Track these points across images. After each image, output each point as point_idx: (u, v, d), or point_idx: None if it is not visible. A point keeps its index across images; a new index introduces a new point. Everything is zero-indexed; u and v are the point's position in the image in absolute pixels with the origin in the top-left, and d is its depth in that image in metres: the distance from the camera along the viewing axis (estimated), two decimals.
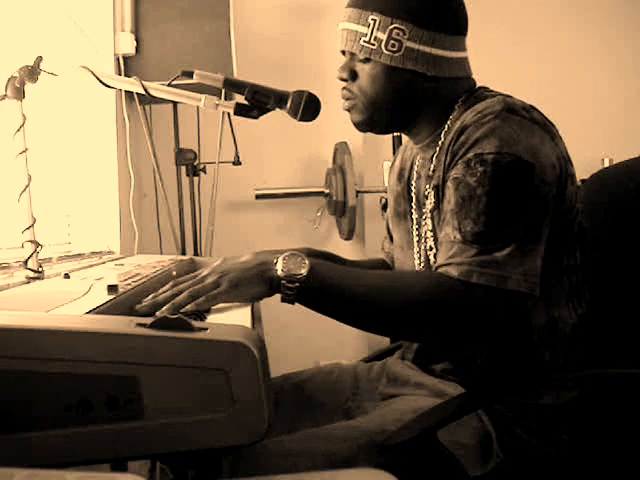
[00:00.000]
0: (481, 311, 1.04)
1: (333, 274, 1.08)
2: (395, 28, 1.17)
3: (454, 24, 1.21)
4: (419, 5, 1.17)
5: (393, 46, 1.17)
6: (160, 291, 1.06)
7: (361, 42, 1.19)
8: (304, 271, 1.03)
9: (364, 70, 1.21)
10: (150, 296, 1.05)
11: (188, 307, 1.01)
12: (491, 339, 1.11)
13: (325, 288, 1.05)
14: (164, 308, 1.00)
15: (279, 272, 1.03)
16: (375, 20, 1.17)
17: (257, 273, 1.04)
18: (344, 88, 1.25)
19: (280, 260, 1.04)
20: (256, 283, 1.04)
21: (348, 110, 1.26)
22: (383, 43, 1.17)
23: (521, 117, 1.11)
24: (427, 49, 1.18)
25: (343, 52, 1.25)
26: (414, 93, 1.21)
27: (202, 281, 1.04)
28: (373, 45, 1.18)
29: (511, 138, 1.08)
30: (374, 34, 1.18)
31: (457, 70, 1.22)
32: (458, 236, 1.06)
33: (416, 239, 1.29)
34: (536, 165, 1.07)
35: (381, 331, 1.20)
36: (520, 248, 1.04)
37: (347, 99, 1.25)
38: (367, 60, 1.20)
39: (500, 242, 1.04)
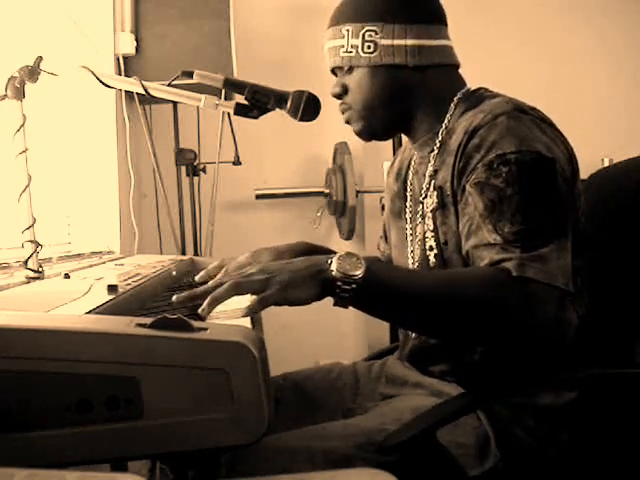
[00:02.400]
0: (537, 307, 1.00)
1: (391, 274, 1.05)
2: (367, 31, 1.21)
3: (424, 13, 1.23)
4: (385, 4, 1.22)
5: (369, 47, 1.21)
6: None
7: (341, 54, 1.24)
8: (360, 272, 0.96)
9: (351, 80, 1.25)
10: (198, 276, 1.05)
11: (247, 307, 0.93)
12: (536, 337, 1.05)
13: (383, 289, 1.00)
14: (205, 303, 0.93)
15: (334, 273, 0.95)
16: (348, 30, 1.23)
17: (309, 275, 0.96)
18: (340, 103, 1.28)
19: (335, 260, 0.96)
20: (307, 286, 0.95)
21: (348, 122, 1.29)
22: (359, 48, 1.22)
23: (531, 116, 1.12)
24: (401, 42, 1.21)
25: (333, 72, 1.30)
26: (402, 87, 1.23)
27: (248, 277, 0.96)
28: (351, 52, 1.23)
29: (527, 136, 1.08)
30: (350, 42, 1.23)
31: (439, 57, 1.24)
32: (498, 238, 1.04)
33: (410, 238, 1.29)
34: (556, 160, 1.08)
35: (441, 332, 1.11)
36: (558, 243, 1.04)
37: (344, 112, 1.28)
38: (351, 70, 1.24)
39: (541, 238, 1.03)
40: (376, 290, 0.99)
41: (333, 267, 0.96)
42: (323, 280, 0.96)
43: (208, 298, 0.93)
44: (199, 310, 0.93)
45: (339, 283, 0.96)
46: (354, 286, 0.96)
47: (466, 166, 1.12)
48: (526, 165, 1.06)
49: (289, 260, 1.01)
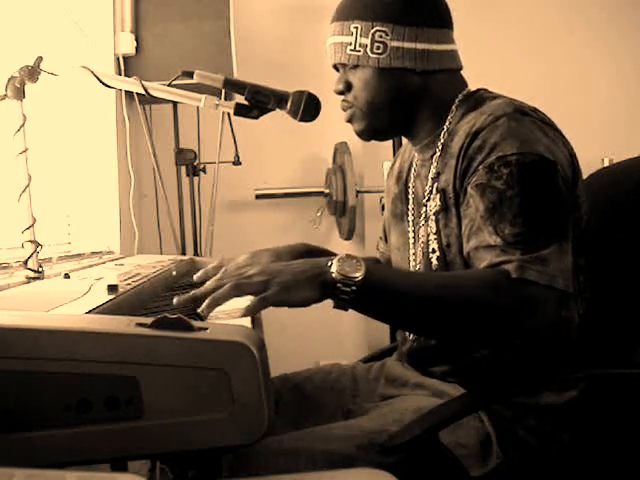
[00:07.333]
0: (535, 309, 1.01)
1: (390, 275, 1.06)
2: (377, 31, 1.19)
3: (435, 17, 1.22)
4: (397, 5, 1.20)
5: (378, 48, 1.20)
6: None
7: (347, 51, 1.22)
8: (360, 274, 0.96)
9: (356, 77, 1.23)
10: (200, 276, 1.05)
11: (246, 307, 0.93)
12: (536, 337, 1.05)
13: (383, 290, 1.00)
14: (204, 304, 0.93)
15: (334, 275, 0.95)
16: (357, 27, 1.20)
17: (309, 277, 0.96)
18: (342, 100, 1.27)
19: (335, 262, 0.96)
20: (307, 287, 0.95)
21: (349, 121, 1.27)
22: (368, 47, 1.20)
23: (532, 117, 1.12)
24: (412, 45, 1.20)
25: (335, 67, 1.28)
26: (408, 90, 1.22)
27: (249, 279, 0.96)
28: (359, 51, 1.21)
29: (529, 138, 1.09)
30: (358, 41, 1.20)
31: (446, 62, 1.23)
32: (498, 240, 1.04)
33: (412, 240, 1.29)
34: (557, 162, 1.08)
35: (441, 333, 1.12)
36: (559, 245, 1.04)
37: (346, 109, 1.27)
38: (356, 67, 1.23)
39: (542, 240, 1.03)
40: (376, 292, 0.99)
41: (333, 269, 0.96)
42: (323, 282, 0.96)
43: (208, 299, 0.93)
44: (198, 310, 0.93)
45: (339, 285, 0.95)
46: (354, 288, 0.96)
47: (468, 168, 1.13)
48: (527, 167, 1.06)
49: (289, 262, 1.02)
